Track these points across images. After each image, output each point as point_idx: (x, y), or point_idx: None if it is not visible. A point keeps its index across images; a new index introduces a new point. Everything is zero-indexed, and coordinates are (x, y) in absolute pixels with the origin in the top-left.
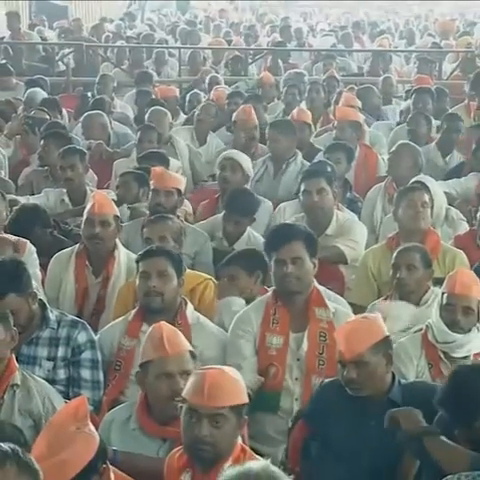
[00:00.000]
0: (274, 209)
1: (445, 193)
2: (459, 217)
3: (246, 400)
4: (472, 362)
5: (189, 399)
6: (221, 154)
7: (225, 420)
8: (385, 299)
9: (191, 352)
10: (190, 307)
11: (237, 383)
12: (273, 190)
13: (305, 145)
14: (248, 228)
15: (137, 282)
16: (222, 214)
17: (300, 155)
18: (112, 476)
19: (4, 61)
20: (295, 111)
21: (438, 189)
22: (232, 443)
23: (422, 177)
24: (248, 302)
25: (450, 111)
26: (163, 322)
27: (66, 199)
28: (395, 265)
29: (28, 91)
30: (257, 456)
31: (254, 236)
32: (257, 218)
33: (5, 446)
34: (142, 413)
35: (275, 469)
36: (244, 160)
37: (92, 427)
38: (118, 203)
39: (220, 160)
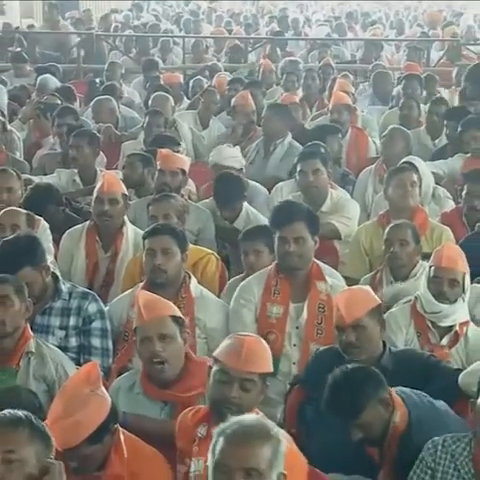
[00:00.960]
0: (262, 188)
1: (433, 173)
2: (445, 195)
3: (272, 370)
4: (347, 367)
5: (223, 360)
6: (213, 157)
7: (253, 385)
8: (376, 273)
9: (174, 317)
10: (193, 281)
11: (268, 353)
12: (262, 170)
13: (296, 126)
14: (244, 204)
15: (143, 258)
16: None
17: (289, 137)
18: (121, 436)
19: (19, 49)
20: (283, 96)
21: (426, 169)
22: (254, 407)
23: (411, 158)
24: None
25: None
26: (141, 290)
27: (77, 179)
28: (388, 240)
29: (39, 78)
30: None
31: (252, 212)
32: (255, 207)
33: (19, 412)
34: (144, 378)
35: (268, 422)
36: (234, 161)
37: (104, 390)
38: (124, 182)
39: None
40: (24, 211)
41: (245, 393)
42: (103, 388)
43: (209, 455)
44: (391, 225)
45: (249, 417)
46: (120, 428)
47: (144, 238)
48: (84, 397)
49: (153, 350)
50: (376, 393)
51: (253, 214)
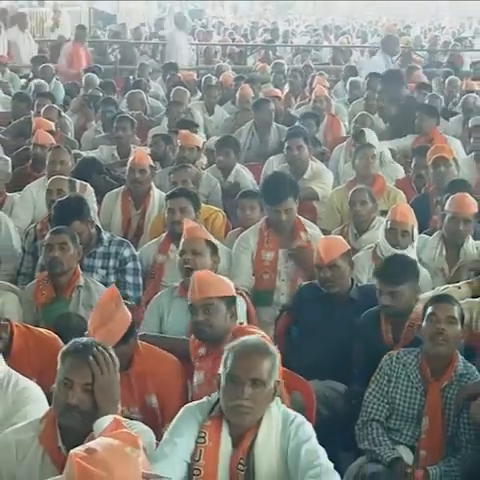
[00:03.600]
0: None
1: (389, 149)
2: (390, 160)
3: (232, 293)
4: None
5: (188, 298)
6: (217, 140)
7: (215, 309)
8: (344, 227)
9: (207, 241)
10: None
11: (221, 280)
12: (262, 153)
13: (280, 114)
14: (237, 164)
15: (166, 214)
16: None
17: (274, 123)
18: (141, 346)
19: None
20: (265, 90)
21: (375, 139)
22: (226, 326)
23: (366, 130)
24: None
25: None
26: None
27: (115, 153)
28: (351, 202)
29: (85, 75)
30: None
31: (241, 171)
32: (242, 184)
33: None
34: (182, 286)
35: (266, 341)
36: (235, 145)
37: (125, 307)
38: (151, 157)
39: (216, 144)
40: (67, 178)
41: (210, 316)
42: (124, 305)
43: (221, 368)
44: (352, 190)
45: (252, 337)
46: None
47: (166, 199)
48: (112, 310)
49: (185, 259)
50: (414, 277)
51: (244, 175)
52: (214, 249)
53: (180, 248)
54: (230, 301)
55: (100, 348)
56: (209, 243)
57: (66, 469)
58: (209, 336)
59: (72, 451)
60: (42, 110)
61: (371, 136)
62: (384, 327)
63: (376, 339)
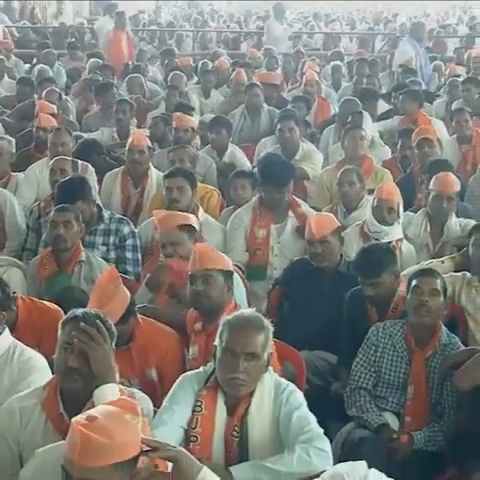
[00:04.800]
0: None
1: (378, 131)
2: (380, 143)
3: (230, 268)
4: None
5: (189, 269)
6: (212, 119)
7: (214, 280)
8: (333, 206)
9: (180, 226)
10: (201, 210)
11: (220, 254)
12: (254, 135)
13: (272, 97)
14: (230, 145)
15: (164, 192)
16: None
17: (266, 106)
18: (141, 321)
19: (73, 40)
20: (260, 74)
21: (370, 122)
22: (223, 299)
23: (364, 112)
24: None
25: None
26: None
27: (115, 135)
28: (340, 182)
29: (90, 60)
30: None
31: (235, 152)
32: (237, 164)
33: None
34: None
35: (260, 315)
36: (226, 124)
37: (124, 287)
38: (150, 138)
39: (209, 124)
40: (69, 159)
41: (208, 286)
42: (123, 285)
43: (217, 341)
44: (341, 170)
45: (247, 311)
46: (140, 314)
47: (164, 178)
48: (111, 291)
49: (164, 252)
50: (392, 263)
51: (237, 155)
52: (191, 230)
53: (160, 241)
54: (228, 275)
55: (98, 319)
56: (183, 227)
57: (69, 436)
58: (206, 307)
59: (74, 419)
60: (44, 93)
61: (366, 118)
62: (369, 306)
63: (362, 316)
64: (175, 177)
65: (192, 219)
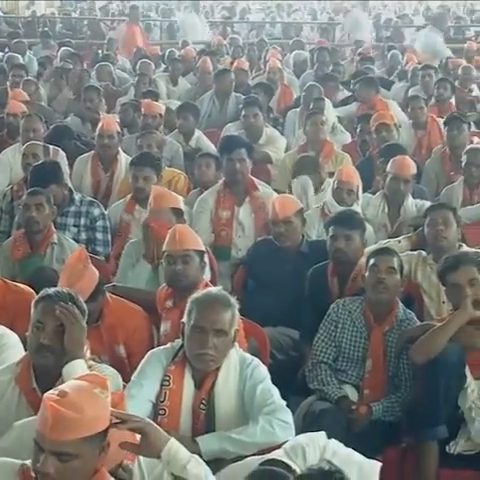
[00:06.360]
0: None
1: (337, 116)
2: (341, 129)
3: (203, 248)
4: None
5: (166, 248)
6: (180, 105)
7: (191, 260)
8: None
9: (174, 209)
10: None
11: (196, 235)
12: (221, 119)
13: (243, 84)
14: (196, 131)
15: (130, 179)
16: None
17: (233, 93)
18: (110, 299)
19: (46, 29)
20: (236, 62)
21: (331, 109)
22: (198, 278)
23: (325, 99)
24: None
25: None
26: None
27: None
28: (296, 171)
29: (61, 49)
30: None
31: (202, 138)
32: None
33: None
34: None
35: (226, 293)
36: (193, 110)
37: (93, 266)
38: (120, 123)
39: (177, 110)
40: (41, 143)
41: (187, 266)
42: (92, 265)
43: (186, 318)
44: (297, 159)
45: (214, 289)
46: (110, 293)
47: (130, 165)
48: (80, 271)
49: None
50: (363, 229)
51: (203, 140)
52: (179, 213)
53: (149, 217)
54: (202, 255)
55: (70, 297)
56: (174, 210)
57: (40, 411)
58: (184, 285)
59: (46, 395)
60: (21, 82)
61: (327, 104)
62: (330, 280)
63: (323, 291)
64: (141, 167)
65: (182, 203)
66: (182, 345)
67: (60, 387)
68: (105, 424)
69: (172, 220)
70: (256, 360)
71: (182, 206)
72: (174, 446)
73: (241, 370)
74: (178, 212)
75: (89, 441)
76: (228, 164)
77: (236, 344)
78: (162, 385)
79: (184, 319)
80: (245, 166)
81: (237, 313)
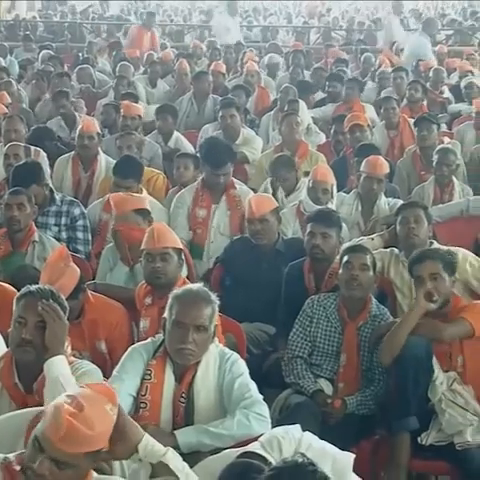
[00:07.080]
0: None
1: (312, 117)
2: (316, 130)
3: (181, 246)
4: None
5: (145, 247)
6: (159, 106)
7: (170, 257)
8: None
9: (139, 210)
10: (144, 192)
11: (174, 233)
12: (200, 120)
13: (220, 86)
14: (175, 132)
15: (111, 187)
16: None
17: (211, 95)
18: (91, 297)
19: (27, 32)
20: (214, 64)
21: (305, 110)
22: (176, 275)
23: (300, 100)
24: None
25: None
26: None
27: (62, 123)
28: (274, 171)
29: (42, 52)
30: None
31: (180, 139)
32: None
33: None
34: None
35: (206, 289)
36: (172, 111)
37: (74, 264)
38: (101, 124)
39: (156, 111)
40: (22, 144)
41: (166, 263)
42: (73, 263)
43: (167, 313)
44: (273, 160)
45: (195, 286)
46: (90, 291)
47: (115, 173)
48: (61, 269)
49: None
50: (339, 227)
51: (182, 140)
52: (145, 213)
53: (115, 224)
54: (180, 253)
55: (52, 294)
56: (138, 211)
57: (53, 418)
58: (163, 283)
59: (62, 405)
60: (2, 84)
61: (302, 106)
62: (307, 277)
63: (300, 288)
64: (124, 179)
65: (146, 202)
66: (163, 340)
67: (77, 397)
68: (106, 441)
69: (138, 221)
70: (235, 355)
71: (147, 205)
72: (149, 442)
73: (220, 364)
74: (143, 212)
75: (90, 455)
76: (213, 177)
77: (216, 339)
78: (144, 379)
79: (165, 314)
80: (229, 176)
81: (217, 309)
